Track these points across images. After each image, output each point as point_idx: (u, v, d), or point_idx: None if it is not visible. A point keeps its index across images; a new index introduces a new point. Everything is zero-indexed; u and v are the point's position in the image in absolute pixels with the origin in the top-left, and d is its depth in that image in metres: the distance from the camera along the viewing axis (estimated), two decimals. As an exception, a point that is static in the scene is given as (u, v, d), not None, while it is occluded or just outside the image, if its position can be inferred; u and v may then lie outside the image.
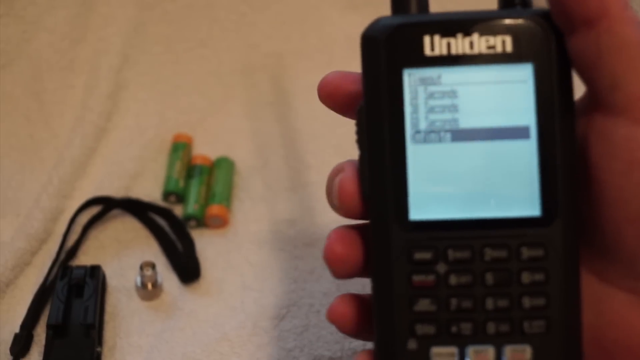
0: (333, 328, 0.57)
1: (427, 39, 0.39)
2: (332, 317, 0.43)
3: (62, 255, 0.61)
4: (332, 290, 0.60)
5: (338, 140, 0.70)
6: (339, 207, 0.42)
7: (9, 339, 0.56)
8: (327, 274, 0.61)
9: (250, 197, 0.67)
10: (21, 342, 0.55)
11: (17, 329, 0.56)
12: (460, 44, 0.39)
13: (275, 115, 0.73)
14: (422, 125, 0.39)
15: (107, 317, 0.59)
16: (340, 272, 0.42)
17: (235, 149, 0.70)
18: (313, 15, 0.78)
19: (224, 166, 0.68)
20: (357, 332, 0.43)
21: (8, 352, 0.55)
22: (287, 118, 0.72)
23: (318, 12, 0.79)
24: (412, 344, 0.39)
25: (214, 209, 0.64)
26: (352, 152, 0.73)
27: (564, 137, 0.39)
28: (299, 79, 0.75)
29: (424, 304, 0.39)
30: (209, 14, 0.77)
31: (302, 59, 0.76)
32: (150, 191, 0.67)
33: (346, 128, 0.72)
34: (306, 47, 0.77)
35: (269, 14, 0.78)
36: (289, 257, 0.62)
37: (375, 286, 0.40)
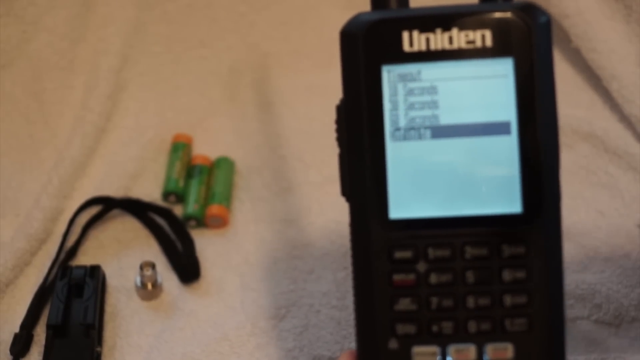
0: (332, 328, 0.57)
1: (405, 35, 0.39)
2: None
3: (62, 255, 0.61)
4: (331, 290, 0.60)
5: (338, 140, 0.70)
6: None
7: (9, 339, 0.56)
8: (326, 274, 0.61)
9: (250, 197, 0.67)
10: (21, 342, 0.56)
11: (17, 329, 0.56)
12: (439, 39, 0.39)
13: (275, 115, 0.73)
14: (402, 123, 0.39)
15: (107, 317, 0.59)
16: None
17: (235, 149, 0.70)
18: (313, 15, 0.78)
19: (223, 166, 0.68)
20: None
21: (8, 352, 0.55)
22: (287, 118, 0.72)
23: (318, 12, 0.79)
24: (393, 344, 0.39)
25: (214, 209, 0.64)
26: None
27: (545, 132, 0.38)
28: (299, 79, 0.75)
29: (404, 303, 0.39)
30: (208, 14, 0.77)
31: (302, 59, 0.76)
32: (150, 191, 0.67)
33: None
34: (306, 47, 0.77)
35: (268, 14, 0.78)
36: (289, 257, 0.62)
37: (356, 285, 0.40)
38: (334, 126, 0.70)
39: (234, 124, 0.72)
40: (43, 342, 0.55)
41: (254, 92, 0.74)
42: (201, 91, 0.74)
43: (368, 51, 0.39)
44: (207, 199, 0.66)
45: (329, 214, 0.65)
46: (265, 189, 0.67)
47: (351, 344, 0.56)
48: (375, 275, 0.39)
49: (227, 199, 0.66)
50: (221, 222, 0.65)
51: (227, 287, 0.61)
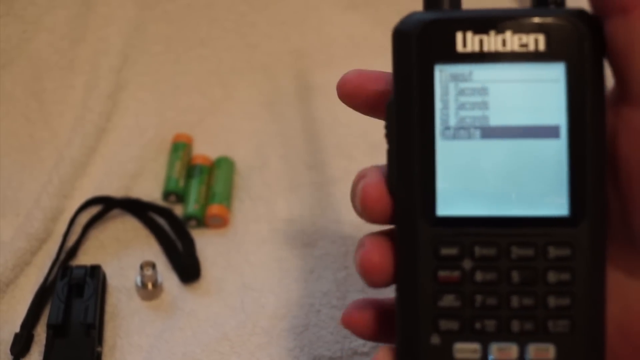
0: (333, 328, 0.57)
1: (459, 36, 0.39)
2: (348, 324, 0.42)
3: (62, 255, 0.61)
4: (332, 290, 0.60)
5: (338, 140, 0.70)
6: (362, 212, 0.41)
7: (9, 338, 0.56)
8: (326, 273, 0.61)
9: (250, 197, 0.67)
10: (21, 342, 0.55)
11: (17, 329, 0.56)
12: (492, 42, 0.39)
13: (275, 115, 0.73)
14: (452, 122, 0.39)
15: (107, 317, 0.59)
16: (377, 281, 0.41)
17: (235, 149, 0.70)
18: (313, 15, 0.79)
19: (224, 166, 0.68)
20: (374, 337, 0.43)
21: (8, 352, 0.55)
22: (287, 118, 0.72)
23: (318, 12, 0.79)
24: (435, 339, 0.39)
25: (214, 209, 0.64)
26: (353, 152, 0.73)
27: (594, 137, 0.38)
28: (299, 79, 0.75)
29: (448, 300, 0.39)
30: (209, 14, 0.77)
31: (302, 59, 0.76)
32: (150, 191, 0.67)
33: (346, 128, 0.72)
34: (306, 47, 0.77)
35: (268, 13, 0.78)
36: (289, 257, 0.62)
37: (400, 280, 0.40)
38: (334, 126, 0.70)
39: (235, 124, 0.72)
40: (43, 341, 0.55)
41: (254, 92, 0.74)
42: (201, 91, 0.74)
43: (421, 50, 0.39)
44: (208, 198, 0.66)
45: (330, 214, 0.65)
46: (265, 188, 0.67)
47: (352, 343, 0.56)
48: (420, 271, 0.39)
49: (227, 199, 0.66)
50: (221, 222, 0.65)
51: (227, 286, 0.61)
